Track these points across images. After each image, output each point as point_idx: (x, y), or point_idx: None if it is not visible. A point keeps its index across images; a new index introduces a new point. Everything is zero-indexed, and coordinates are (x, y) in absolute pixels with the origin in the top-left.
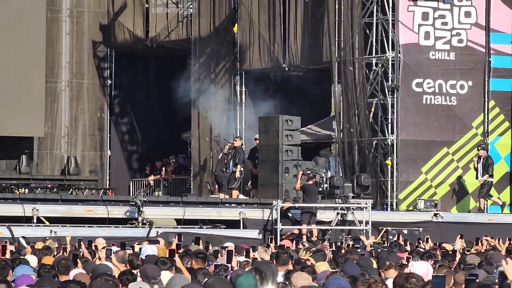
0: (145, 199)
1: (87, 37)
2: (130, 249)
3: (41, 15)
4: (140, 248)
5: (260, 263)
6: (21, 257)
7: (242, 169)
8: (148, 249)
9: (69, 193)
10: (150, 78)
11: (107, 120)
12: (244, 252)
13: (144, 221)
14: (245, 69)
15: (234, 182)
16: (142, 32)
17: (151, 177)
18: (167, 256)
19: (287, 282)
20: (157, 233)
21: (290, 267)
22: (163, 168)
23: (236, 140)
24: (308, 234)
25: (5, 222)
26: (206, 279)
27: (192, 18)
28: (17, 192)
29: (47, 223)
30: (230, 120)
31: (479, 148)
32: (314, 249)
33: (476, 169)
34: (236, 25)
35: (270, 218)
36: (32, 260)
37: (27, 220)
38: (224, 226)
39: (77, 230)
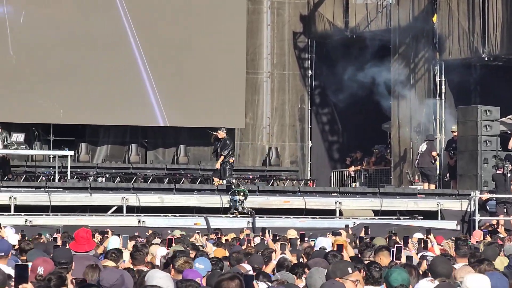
0: (249, 189)
1: (288, 28)
2: (314, 241)
3: (242, 7)
4: (313, 240)
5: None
6: (202, 249)
7: (226, 159)
8: (323, 241)
9: (270, 184)
10: (349, 68)
11: (307, 111)
12: (422, 243)
13: (246, 211)
14: (444, 59)
15: (228, 172)
16: (342, 23)
17: (352, 168)
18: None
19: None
20: (354, 224)
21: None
22: (364, 159)
23: (218, 132)
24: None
25: (203, 213)
26: None
27: (391, 8)
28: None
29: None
30: (429, 111)
31: None
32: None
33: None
34: (435, 15)
35: (469, 209)
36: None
37: (224, 211)
38: (422, 217)
39: (274, 221)
